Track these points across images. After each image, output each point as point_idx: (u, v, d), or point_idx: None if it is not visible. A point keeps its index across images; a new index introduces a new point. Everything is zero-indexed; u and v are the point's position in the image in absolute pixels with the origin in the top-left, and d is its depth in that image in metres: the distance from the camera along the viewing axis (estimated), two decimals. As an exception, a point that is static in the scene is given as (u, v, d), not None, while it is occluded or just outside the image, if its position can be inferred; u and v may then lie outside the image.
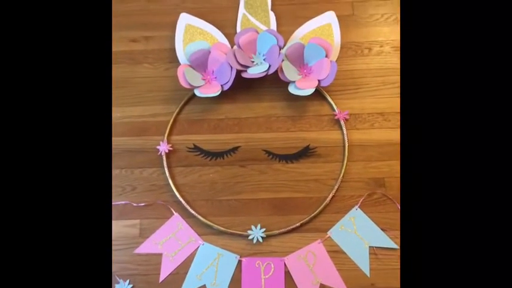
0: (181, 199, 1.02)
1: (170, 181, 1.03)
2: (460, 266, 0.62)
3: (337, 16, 1.12)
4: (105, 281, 0.66)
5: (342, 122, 1.05)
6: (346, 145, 1.04)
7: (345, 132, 1.05)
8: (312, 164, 1.04)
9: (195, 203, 1.03)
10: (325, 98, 1.09)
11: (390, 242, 0.97)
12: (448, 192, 0.64)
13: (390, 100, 1.08)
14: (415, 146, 0.66)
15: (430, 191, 0.65)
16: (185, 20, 1.13)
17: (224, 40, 1.11)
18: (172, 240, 1.00)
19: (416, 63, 0.68)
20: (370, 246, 0.98)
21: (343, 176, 1.02)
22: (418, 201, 0.65)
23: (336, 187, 1.01)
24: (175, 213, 1.02)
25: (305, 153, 1.04)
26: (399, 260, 0.95)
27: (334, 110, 1.07)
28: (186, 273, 0.97)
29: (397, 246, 0.97)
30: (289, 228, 0.99)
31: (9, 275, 0.60)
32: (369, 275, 0.96)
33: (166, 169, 1.04)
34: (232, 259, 0.98)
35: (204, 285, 0.96)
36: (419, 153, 0.66)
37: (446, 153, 0.65)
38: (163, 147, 1.05)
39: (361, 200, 1.00)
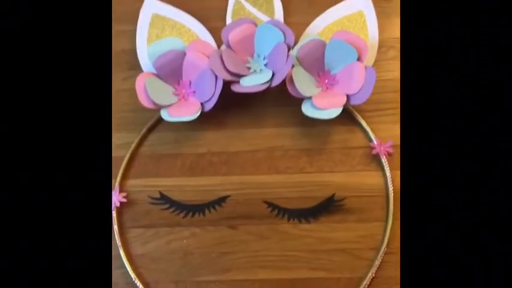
0: (136, 281, 0.76)
1: (121, 251, 0.78)
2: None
3: (373, 1, 0.86)
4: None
5: (384, 159, 0.80)
6: (391, 194, 0.78)
7: (388, 173, 0.79)
8: (339, 224, 0.79)
9: (160, 286, 0.78)
10: (357, 122, 0.83)
11: None
12: None
13: (455, 124, 0.80)
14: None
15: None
16: (151, 7, 0.89)
17: (207, 36, 0.87)
18: None
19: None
20: None
21: (387, 245, 0.76)
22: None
23: (378, 262, 0.76)
24: (128, 304, 0.76)
25: (328, 207, 0.80)
26: None
27: (371, 140, 0.82)
28: None
29: None
30: (305, 331, 0.73)
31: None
32: None
33: (116, 232, 0.79)
34: None
35: None
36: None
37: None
38: (114, 198, 0.81)
39: (417, 283, 0.72)
